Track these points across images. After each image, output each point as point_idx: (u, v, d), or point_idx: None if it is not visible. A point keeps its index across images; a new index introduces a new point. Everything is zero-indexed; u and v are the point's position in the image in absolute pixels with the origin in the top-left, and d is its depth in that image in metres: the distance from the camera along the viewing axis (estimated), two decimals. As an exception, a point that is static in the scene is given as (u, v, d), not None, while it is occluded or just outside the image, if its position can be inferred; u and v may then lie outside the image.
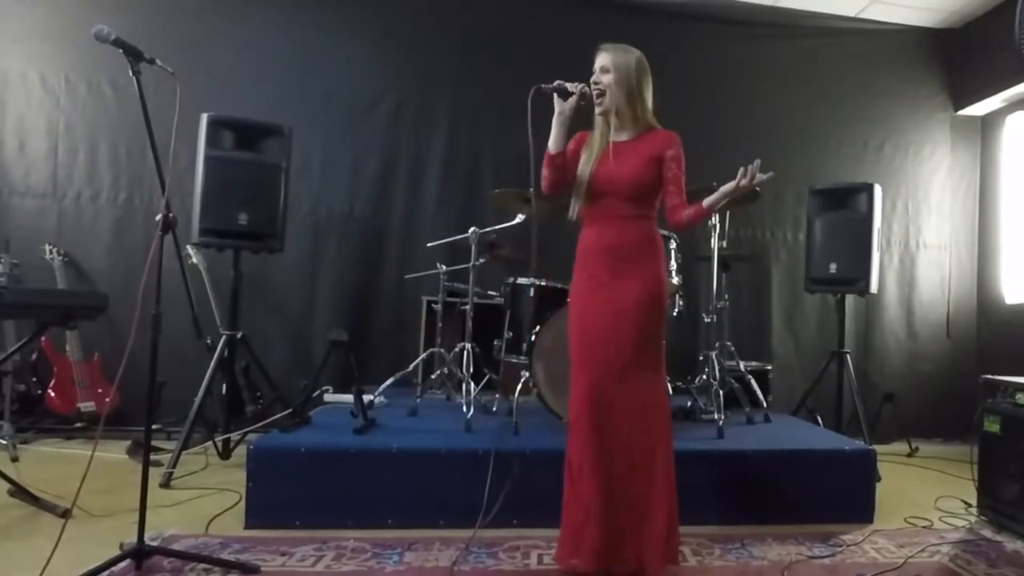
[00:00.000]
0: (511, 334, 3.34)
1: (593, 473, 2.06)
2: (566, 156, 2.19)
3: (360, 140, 4.39)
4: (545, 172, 2.17)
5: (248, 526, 2.49)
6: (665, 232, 3.23)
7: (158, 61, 2.10)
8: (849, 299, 4.07)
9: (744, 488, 2.73)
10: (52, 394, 3.85)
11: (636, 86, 2.19)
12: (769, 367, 4.03)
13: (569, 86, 2.13)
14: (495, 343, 3.45)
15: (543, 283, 3.29)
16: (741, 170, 2.11)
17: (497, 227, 3.50)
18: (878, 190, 3.81)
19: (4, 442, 3.35)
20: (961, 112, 4.92)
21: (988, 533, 2.69)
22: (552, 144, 2.15)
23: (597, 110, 2.20)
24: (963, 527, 2.78)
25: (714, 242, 3.41)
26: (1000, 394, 2.83)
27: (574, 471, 2.12)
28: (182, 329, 2.76)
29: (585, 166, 2.21)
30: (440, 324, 3.78)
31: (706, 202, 2.19)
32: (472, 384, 3.18)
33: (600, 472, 2.06)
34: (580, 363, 2.15)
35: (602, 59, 2.21)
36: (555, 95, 2.13)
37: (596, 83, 2.19)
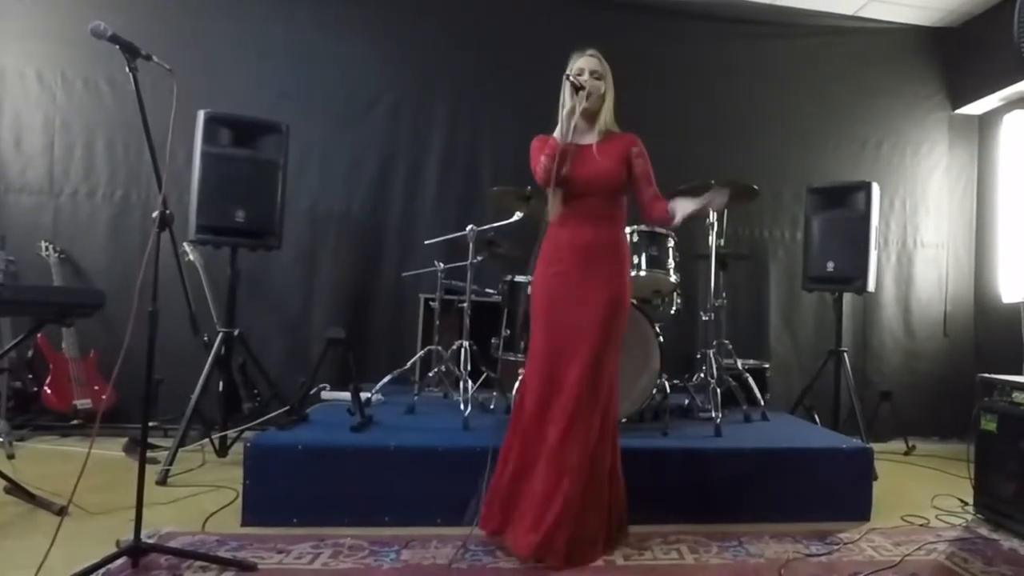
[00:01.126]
0: (508, 332, 3.33)
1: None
2: None
3: (358, 138, 4.38)
4: (552, 164, 2.20)
5: (245, 523, 2.49)
6: (663, 230, 3.24)
7: (155, 58, 2.09)
8: (847, 298, 4.08)
9: (741, 486, 2.73)
10: (48, 391, 3.84)
11: (611, 95, 2.35)
12: (767, 365, 4.03)
13: (581, 80, 2.26)
14: (492, 341, 3.45)
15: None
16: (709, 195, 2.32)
17: (495, 225, 3.50)
18: (876, 189, 3.81)
19: (0, 439, 3.33)
20: (959, 111, 4.93)
21: (984, 531, 2.69)
22: (568, 138, 2.21)
23: (579, 108, 2.25)
24: (960, 525, 2.78)
25: (712, 240, 3.41)
26: (997, 393, 2.83)
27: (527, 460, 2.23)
28: (179, 326, 2.76)
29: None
30: (438, 322, 3.77)
31: (676, 217, 2.30)
32: (470, 382, 3.19)
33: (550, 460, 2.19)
34: (544, 354, 2.25)
35: (592, 63, 2.31)
36: (572, 89, 2.24)
37: (585, 83, 2.26)
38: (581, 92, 2.23)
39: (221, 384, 3.41)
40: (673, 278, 3.23)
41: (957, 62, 4.86)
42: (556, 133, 2.26)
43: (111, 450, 3.29)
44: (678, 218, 2.29)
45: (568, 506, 2.14)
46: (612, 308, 2.28)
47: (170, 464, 3.04)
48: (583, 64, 2.30)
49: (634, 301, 2.93)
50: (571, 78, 2.25)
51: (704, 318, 3.52)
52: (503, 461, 2.34)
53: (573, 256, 2.29)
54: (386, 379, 3.54)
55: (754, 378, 3.62)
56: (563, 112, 2.26)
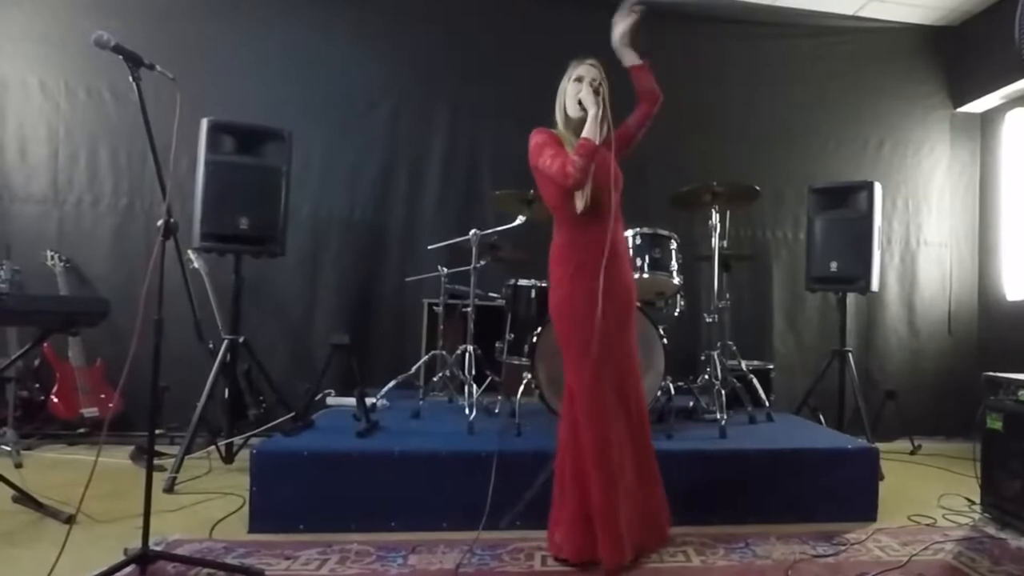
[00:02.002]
0: (512, 336, 3.34)
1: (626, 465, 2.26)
2: None
3: (360, 142, 4.39)
4: (590, 165, 2.17)
5: (252, 530, 2.49)
6: (665, 232, 3.24)
7: (158, 67, 2.10)
8: (850, 297, 4.08)
9: (747, 487, 2.73)
10: (55, 400, 3.85)
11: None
12: (771, 366, 4.03)
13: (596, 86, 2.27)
14: (497, 345, 3.45)
15: (544, 284, 3.29)
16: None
17: (498, 228, 3.50)
18: (878, 188, 3.81)
19: (8, 448, 3.35)
20: (960, 109, 4.92)
21: (991, 530, 2.69)
22: (599, 138, 2.19)
23: (601, 111, 2.21)
24: (966, 524, 2.78)
25: (715, 242, 3.41)
26: (1002, 391, 2.82)
27: (613, 465, 2.20)
28: (184, 334, 2.76)
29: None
30: (442, 326, 3.78)
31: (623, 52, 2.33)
32: (474, 386, 3.19)
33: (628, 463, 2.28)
34: (602, 357, 2.21)
35: (594, 73, 2.29)
36: (594, 95, 2.22)
37: (598, 91, 2.25)
38: (598, 97, 2.21)
39: (226, 391, 3.43)
40: (676, 280, 3.23)
41: (958, 61, 4.85)
42: (592, 132, 2.19)
43: (118, 458, 3.31)
44: (625, 48, 2.32)
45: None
46: (633, 300, 2.40)
47: (177, 471, 3.04)
48: (584, 72, 2.28)
49: (638, 303, 2.93)
50: (592, 83, 2.24)
51: (708, 319, 3.51)
52: (591, 482, 2.20)
53: (599, 254, 2.23)
54: (391, 384, 3.54)
55: (758, 379, 3.61)
56: (589, 114, 2.20)
